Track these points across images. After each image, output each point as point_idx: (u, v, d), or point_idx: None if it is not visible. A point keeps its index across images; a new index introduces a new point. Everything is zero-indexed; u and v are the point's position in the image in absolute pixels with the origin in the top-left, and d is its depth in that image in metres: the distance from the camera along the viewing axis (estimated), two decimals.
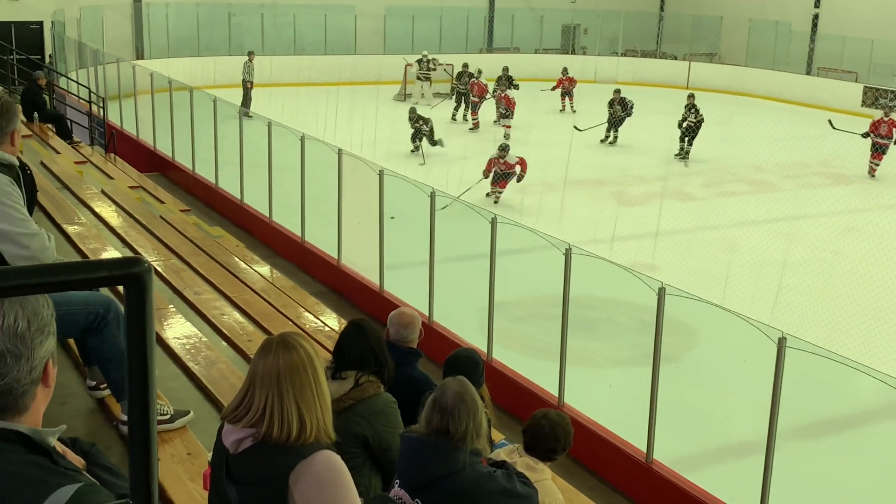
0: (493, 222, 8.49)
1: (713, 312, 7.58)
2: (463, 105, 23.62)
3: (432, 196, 9.12)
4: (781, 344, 5.71)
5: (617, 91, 21.70)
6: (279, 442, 2.43)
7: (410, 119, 18.18)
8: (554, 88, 25.37)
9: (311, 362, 2.50)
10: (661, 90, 30.47)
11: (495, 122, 22.03)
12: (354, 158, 11.00)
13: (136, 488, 1.15)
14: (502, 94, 21.58)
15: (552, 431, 3.97)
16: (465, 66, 24.42)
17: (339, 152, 10.86)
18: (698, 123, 19.44)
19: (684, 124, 19.56)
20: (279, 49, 28.44)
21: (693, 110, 19.59)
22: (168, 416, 4.08)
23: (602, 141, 20.85)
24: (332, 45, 29.47)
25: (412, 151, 18.02)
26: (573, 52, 33.99)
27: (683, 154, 19.38)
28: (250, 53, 23.07)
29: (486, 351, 8.41)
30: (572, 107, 25.13)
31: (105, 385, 4.19)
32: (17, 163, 3.53)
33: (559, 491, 3.99)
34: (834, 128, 18.39)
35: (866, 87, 27.67)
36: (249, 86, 22.34)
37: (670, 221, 13.43)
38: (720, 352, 9.52)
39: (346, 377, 3.62)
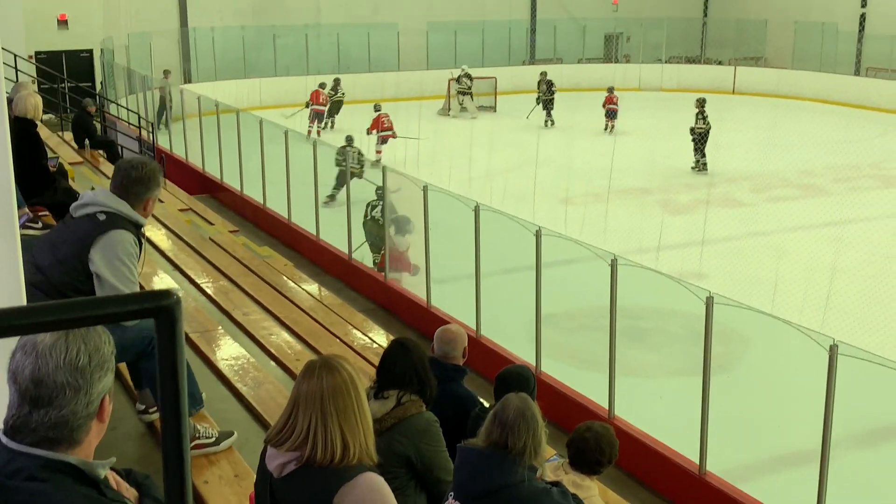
0: (538, 234, 8.48)
1: (764, 320, 7.49)
2: (547, 113, 24.85)
3: (476, 210, 9.14)
4: (833, 351, 5.62)
5: (543, 73, 21.49)
6: (323, 465, 2.46)
7: (338, 157, 14.94)
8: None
9: (353, 384, 2.53)
10: (707, 95, 30.15)
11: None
12: (399, 175, 11.08)
13: None
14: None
15: (597, 444, 3.95)
16: (544, 73, 25.70)
17: (384, 169, 10.95)
18: (707, 131, 18.70)
19: (694, 132, 18.86)
20: (324, 68, 28.74)
21: (701, 116, 18.90)
22: (213, 439, 4.14)
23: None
24: (376, 63, 29.71)
25: (327, 199, 14.42)
26: (616, 61, 33.82)
27: (699, 167, 18.69)
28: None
29: (534, 364, 8.38)
30: (612, 127, 23.68)
31: (155, 409, 4.27)
32: (145, 224, 3.84)
33: None
34: None
35: None
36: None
37: (718, 229, 13.29)
38: (772, 360, 9.38)
39: (389, 396, 3.64)
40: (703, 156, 18.60)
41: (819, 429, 5.83)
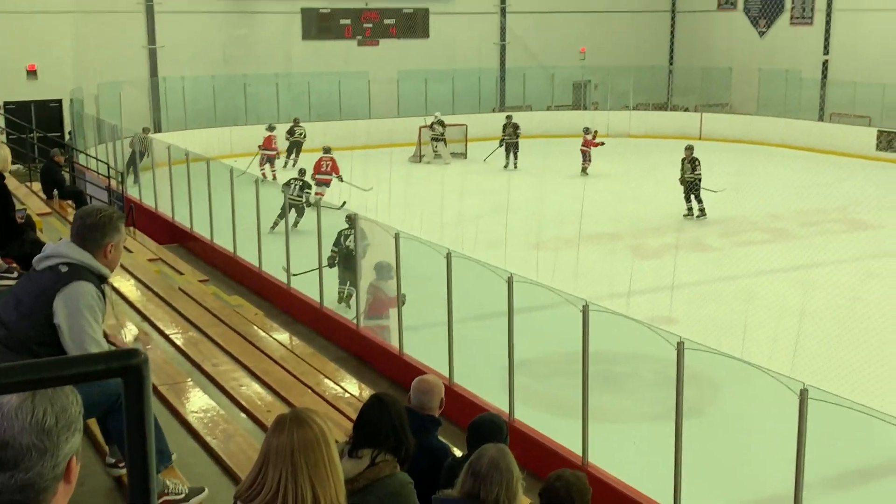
0: (510, 281, 8.50)
1: (734, 364, 7.53)
2: (512, 154, 25.35)
3: (448, 257, 9.15)
4: (803, 395, 5.65)
5: (508, 116, 21.74)
6: None
7: (283, 188, 15.74)
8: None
9: (324, 439, 2.51)
10: (674, 142, 30.59)
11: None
12: (370, 222, 11.09)
13: None
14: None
15: (567, 493, 3.90)
16: (509, 117, 26.25)
17: (355, 217, 10.96)
18: (697, 179, 18.74)
19: (686, 180, 18.82)
20: (295, 116, 28.90)
21: (691, 163, 18.92)
22: (182, 495, 4.08)
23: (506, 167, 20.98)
24: (347, 111, 29.89)
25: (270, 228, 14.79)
26: (585, 108, 34.28)
27: (695, 213, 18.69)
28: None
29: (507, 412, 8.36)
30: (585, 169, 24.03)
31: (124, 464, 4.20)
32: (109, 276, 3.73)
33: None
34: None
35: (880, 130, 27.69)
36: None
37: (688, 273, 13.41)
38: (743, 404, 9.43)
39: (363, 456, 3.57)
40: (701, 201, 18.59)
41: (791, 473, 5.84)
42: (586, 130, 23.90)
